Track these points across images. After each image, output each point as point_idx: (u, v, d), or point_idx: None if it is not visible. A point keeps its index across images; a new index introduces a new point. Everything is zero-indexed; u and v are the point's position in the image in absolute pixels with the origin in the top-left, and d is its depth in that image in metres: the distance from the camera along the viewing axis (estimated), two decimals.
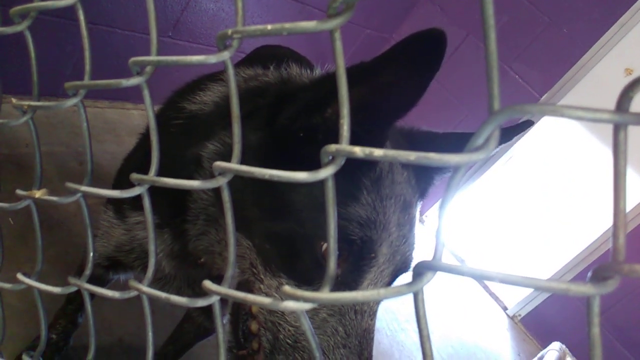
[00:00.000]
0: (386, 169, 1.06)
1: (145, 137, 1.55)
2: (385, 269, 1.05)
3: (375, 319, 1.07)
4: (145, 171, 0.66)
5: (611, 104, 0.33)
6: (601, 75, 4.10)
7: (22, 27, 0.79)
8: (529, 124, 1.21)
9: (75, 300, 1.73)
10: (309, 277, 1.00)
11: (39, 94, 0.82)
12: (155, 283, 1.40)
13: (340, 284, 1.01)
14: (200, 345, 2.02)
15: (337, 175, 0.45)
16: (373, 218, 1.00)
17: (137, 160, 1.45)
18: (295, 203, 1.00)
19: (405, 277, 1.07)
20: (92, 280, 0.75)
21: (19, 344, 1.74)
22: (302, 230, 0.99)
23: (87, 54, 0.73)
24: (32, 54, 0.81)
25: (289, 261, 1.01)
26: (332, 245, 0.48)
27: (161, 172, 0.97)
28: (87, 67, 0.73)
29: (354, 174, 1.01)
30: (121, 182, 1.45)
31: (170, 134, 1.26)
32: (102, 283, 1.59)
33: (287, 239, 1.01)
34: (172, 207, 1.21)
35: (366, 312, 1.04)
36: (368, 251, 1.01)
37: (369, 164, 1.02)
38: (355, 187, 1.00)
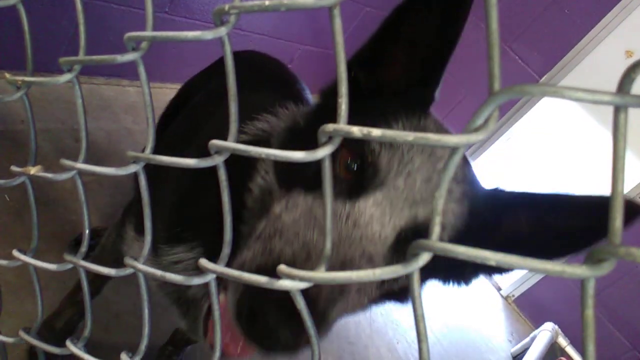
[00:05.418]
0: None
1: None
2: (400, 204, 0.92)
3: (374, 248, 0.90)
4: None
5: (611, 86, 0.33)
6: (602, 57, 4.07)
7: (15, 0, 0.77)
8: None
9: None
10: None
11: (33, 69, 0.81)
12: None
13: (345, 193, 0.92)
14: None
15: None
16: (393, 144, 0.94)
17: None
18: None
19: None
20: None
21: (16, 320, 1.75)
22: None
23: (81, 28, 0.71)
24: (26, 28, 0.79)
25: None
26: (328, 226, 0.47)
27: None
28: (82, 42, 0.72)
29: (395, 110, 1.02)
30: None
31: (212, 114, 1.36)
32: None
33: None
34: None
35: (361, 228, 0.89)
36: (374, 169, 0.93)
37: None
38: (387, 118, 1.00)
